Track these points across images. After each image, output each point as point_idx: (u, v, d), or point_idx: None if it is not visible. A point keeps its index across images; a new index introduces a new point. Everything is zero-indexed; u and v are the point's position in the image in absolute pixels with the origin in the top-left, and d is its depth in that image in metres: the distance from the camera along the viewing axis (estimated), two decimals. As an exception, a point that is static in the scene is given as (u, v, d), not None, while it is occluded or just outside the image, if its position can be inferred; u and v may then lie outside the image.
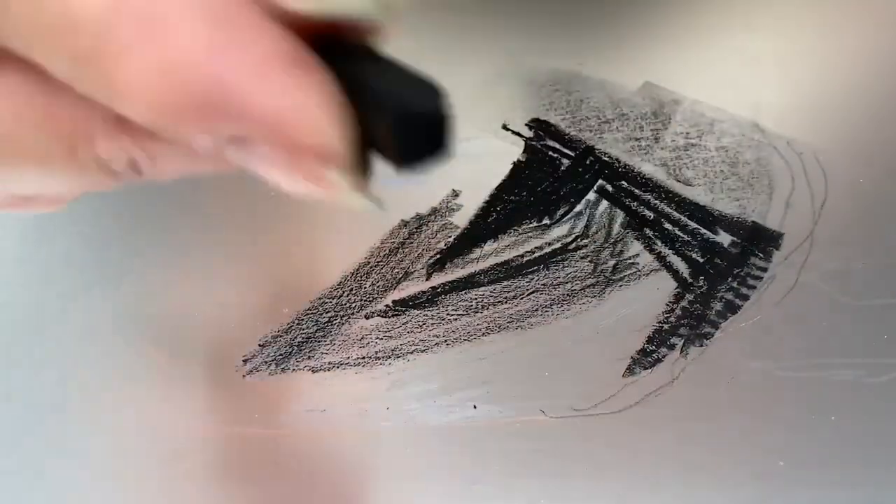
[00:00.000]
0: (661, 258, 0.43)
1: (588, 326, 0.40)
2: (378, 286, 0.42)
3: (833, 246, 0.43)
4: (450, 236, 0.43)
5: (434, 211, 0.44)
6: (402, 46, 0.51)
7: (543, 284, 0.42)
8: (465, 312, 0.41)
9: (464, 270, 0.42)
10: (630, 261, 0.42)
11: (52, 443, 0.37)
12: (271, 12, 0.17)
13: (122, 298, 0.41)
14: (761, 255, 0.42)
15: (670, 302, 0.41)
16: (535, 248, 0.43)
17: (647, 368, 0.38)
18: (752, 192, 0.45)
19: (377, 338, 0.40)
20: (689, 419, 0.36)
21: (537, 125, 0.48)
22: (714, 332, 0.39)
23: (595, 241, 0.43)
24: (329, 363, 0.39)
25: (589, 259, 0.43)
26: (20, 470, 0.36)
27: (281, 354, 0.39)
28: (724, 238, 0.43)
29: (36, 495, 0.35)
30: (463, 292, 0.41)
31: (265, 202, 0.45)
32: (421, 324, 0.40)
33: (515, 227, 0.44)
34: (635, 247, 0.43)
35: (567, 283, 0.42)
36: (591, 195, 0.45)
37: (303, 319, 0.40)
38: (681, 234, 0.43)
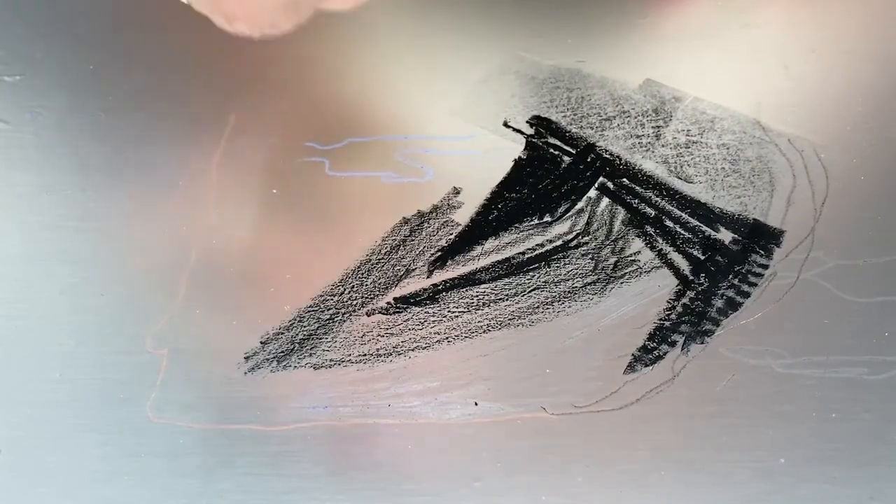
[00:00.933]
0: (662, 255, 0.43)
1: (589, 323, 0.40)
2: (379, 283, 0.42)
3: (834, 243, 0.43)
4: (451, 233, 0.44)
5: (435, 208, 0.44)
6: (405, 44, 0.52)
7: (544, 282, 0.42)
8: (466, 309, 0.41)
9: (465, 268, 0.42)
10: (631, 258, 0.43)
11: (52, 442, 0.37)
12: None
13: (123, 297, 0.41)
14: (762, 253, 0.42)
15: (671, 299, 0.41)
16: (537, 245, 0.43)
17: (647, 365, 0.38)
18: (753, 189, 0.45)
19: (379, 335, 0.40)
20: (689, 416, 0.36)
21: (538, 122, 0.48)
22: (715, 329, 0.39)
23: (596, 239, 0.43)
24: (331, 360, 0.39)
25: (590, 256, 0.43)
26: (20, 469, 0.36)
27: (282, 351, 0.39)
28: (726, 235, 0.43)
29: (36, 494, 0.35)
30: (464, 289, 0.41)
31: (267, 199, 0.45)
32: (422, 321, 0.40)
33: (516, 225, 0.44)
34: (636, 244, 0.43)
35: (568, 280, 0.42)
36: (593, 192, 0.45)
37: (304, 316, 0.40)
38: (682, 232, 0.43)
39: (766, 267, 0.42)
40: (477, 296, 0.41)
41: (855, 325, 0.39)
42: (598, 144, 0.47)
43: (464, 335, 0.40)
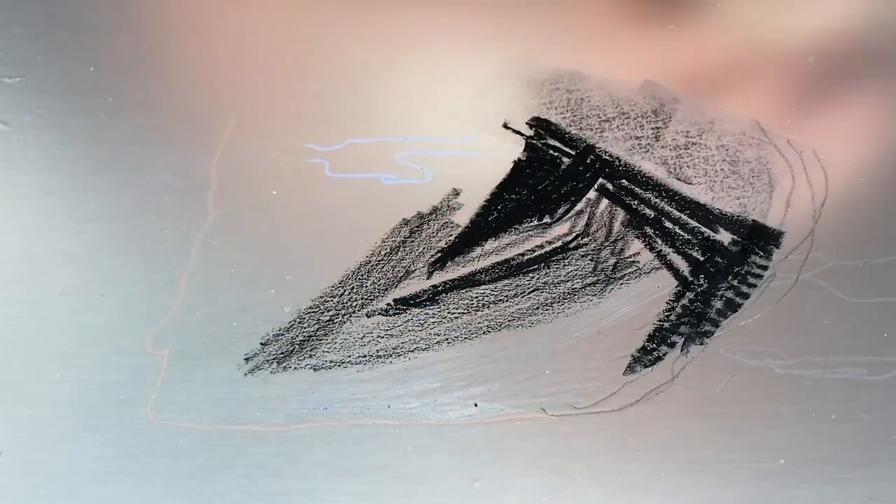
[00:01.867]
0: (661, 256, 0.43)
1: (588, 325, 0.40)
2: (379, 285, 0.42)
3: (833, 244, 0.43)
4: (451, 235, 0.44)
5: (435, 209, 0.44)
6: (405, 46, 0.52)
7: (544, 283, 0.42)
8: (465, 311, 0.41)
9: (465, 269, 0.42)
10: (630, 259, 0.43)
11: (53, 443, 0.37)
12: None
13: (123, 298, 0.41)
14: (762, 254, 0.42)
15: (671, 300, 0.41)
16: (536, 246, 0.43)
17: (647, 366, 0.38)
18: (752, 190, 0.45)
19: (378, 336, 0.40)
20: (689, 417, 0.36)
21: (538, 124, 0.49)
22: (714, 330, 0.39)
23: (596, 240, 0.43)
24: (331, 361, 0.39)
25: (589, 257, 0.43)
26: (21, 470, 0.36)
27: (283, 353, 0.39)
28: (725, 236, 0.43)
29: (36, 495, 0.35)
30: (464, 291, 0.41)
31: (267, 201, 0.45)
32: (422, 322, 0.40)
33: (516, 226, 0.44)
34: (636, 245, 0.43)
35: (568, 281, 0.42)
36: (592, 194, 0.45)
37: (304, 318, 0.40)
38: (681, 233, 0.44)
39: (765, 268, 0.42)
40: (477, 297, 0.41)
41: (854, 325, 0.39)
42: (597, 146, 0.47)
43: (463, 336, 0.40)
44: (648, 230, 0.44)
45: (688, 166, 0.47)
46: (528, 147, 0.47)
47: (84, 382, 0.39)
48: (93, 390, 0.38)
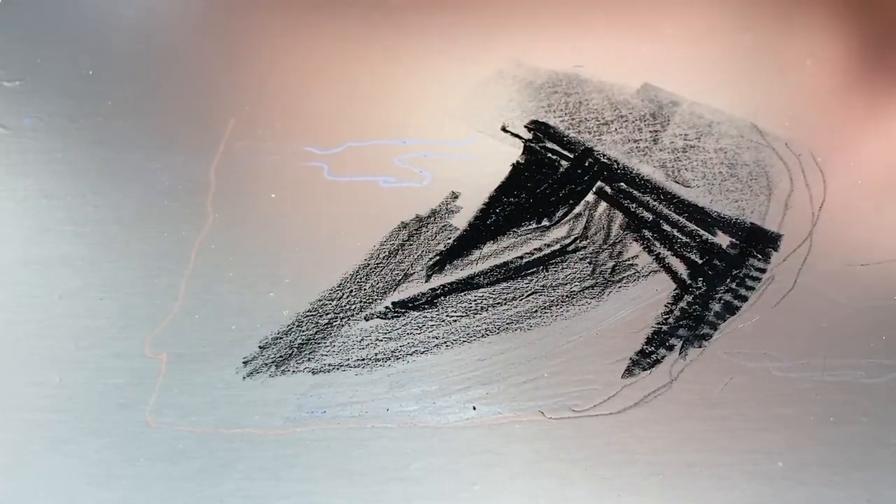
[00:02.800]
0: (659, 259, 0.43)
1: (587, 327, 0.40)
2: (378, 288, 0.42)
3: (831, 247, 0.43)
4: (449, 238, 0.44)
5: (433, 213, 0.44)
6: (404, 50, 0.52)
7: (542, 286, 0.42)
8: (464, 314, 0.41)
9: (463, 272, 0.42)
10: (629, 262, 0.43)
11: (52, 446, 0.37)
12: None
13: (122, 301, 0.41)
14: (760, 257, 0.42)
15: (669, 303, 0.41)
16: (535, 249, 0.43)
17: (645, 369, 0.38)
18: (750, 193, 0.45)
19: (377, 339, 0.40)
20: (687, 420, 0.36)
21: (536, 127, 0.49)
22: (713, 333, 0.39)
23: (594, 243, 0.43)
24: (329, 365, 0.39)
25: (588, 261, 0.43)
26: (20, 473, 0.36)
27: (281, 356, 0.39)
28: (723, 239, 0.43)
29: (36, 498, 0.35)
30: (462, 294, 0.42)
31: (266, 204, 0.45)
32: (420, 325, 0.40)
33: (514, 229, 0.44)
34: (634, 248, 0.43)
35: (566, 284, 0.42)
36: (590, 197, 0.45)
37: (303, 321, 0.40)
38: (679, 236, 0.44)
39: (763, 271, 0.42)
40: (475, 300, 0.41)
41: (852, 328, 0.39)
42: (595, 149, 0.48)
43: (462, 339, 0.40)
44: (647, 233, 0.44)
45: (686, 169, 0.47)
46: (527, 150, 0.47)
47: (83, 386, 0.39)
48: (92, 393, 0.38)
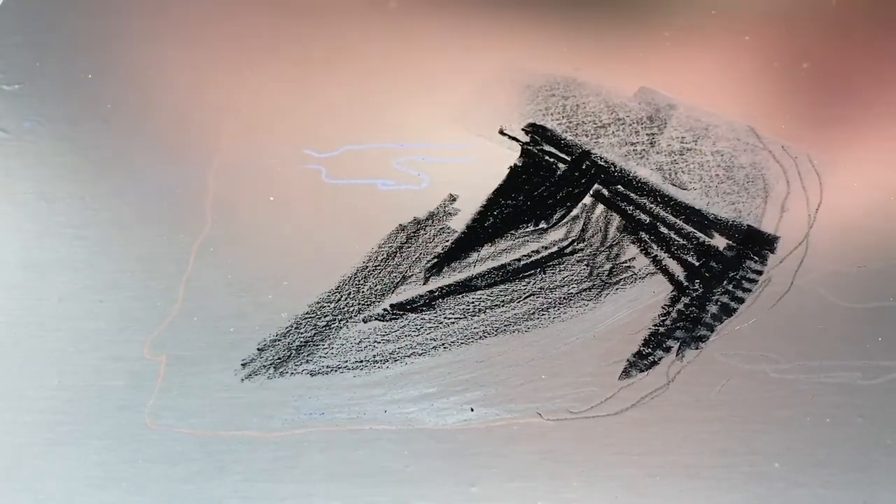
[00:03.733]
0: (656, 262, 0.43)
1: (585, 329, 0.40)
2: (376, 290, 0.42)
3: (828, 249, 0.43)
4: (447, 240, 0.44)
5: (431, 215, 0.45)
6: (402, 53, 0.52)
7: (540, 288, 0.42)
8: (462, 316, 0.41)
9: (461, 274, 0.42)
10: (626, 264, 0.43)
11: (51, 449, 0.37)
12: None
13: (121, 304, 0.42)
14: (756, 259, 0.43)
15: (666, 305, 0.41)
16: (532, 251, 0.43)
17: (643, 371, 0.39)
18: (747, 195, 0.46)
19: (375, 341, 0.40)
20: (684, 421, 0.37)
21: (534, 130, 0.49)
22: (709, 334, 0.40)
23: (591, 245, 0.44)
24: (327, 367, 0.39)
25: (585, 263, 0.43)
26: (19, 476, 0.36)
27: (279, 358, 0.39)
28: (720, 241, 0.44)
29: (35, 500, 0.36)
30: (460, 296, 0.42)
31: (264, 207, 0.45)
32: (418, 327, 0.40)
33: (512, 231, 0.44)
34: (631, 250, 0.43)
35: (563, 286, 0.42)
36: (588, 199, 0.46)
37: (301, 323, 0.40)
38: (676, 238, 0.44)
39: (760, 273, 0.42)
40: (473, 302, 0.41)
41: (848, 330, 0.40)
42: (593, 152, 0.48)
43: (460, 341, 0.40)
44: (644, 235, 0.44)
45: (683, 172, 0.47)
46: (525, 153, 0.48)
47: (82, 388, 0.39)
48: (91, 396, 0.38)
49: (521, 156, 0.48)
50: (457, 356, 0.39)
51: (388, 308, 0.41)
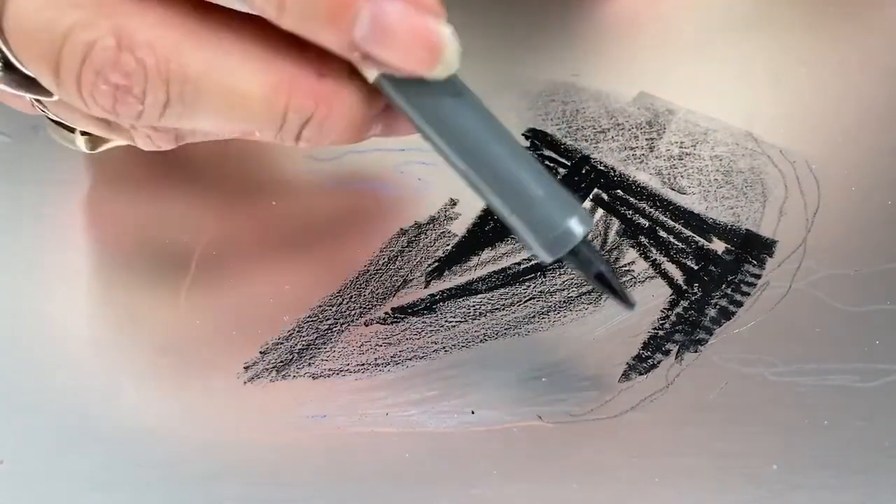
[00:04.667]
0: (656, 266, 0.43)
1: (584, 333, 0.40)
2: (377, 294, 0.42)
3: (826, 253, 0.43)
4: (448, 244, 0.44)
5: (432, 219, 0.45)
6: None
7: (540, 292, 0.42)
8: (463, 319, 0.41)
9: (462, 278, 0.43)
10: (625, 268, 0.43)
11: (54, 452, 0.37)
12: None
13: (122, 306, 0.42)
14: (755, 263, 0.43)
15: (665, 308, 0.41)
16: (532, 255, 0.43)
17: (642, 374, 0.39)
18: (745, 200, 0.46)
19: (376, 344, 0.40)
20: (683, 424, 0.37)
21: (534, 135, 0.49)
22: (708, 338, 0.40)
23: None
24: (329, 370, 0.39)
25: (585, 266, 0.43)
26: (23, 479, 0.36)
27: (281, 361, 0.40)
28: (719, 245, 0.44)
29: (37, 501, 0.36)
30: (461, 299, 0.42)
31: (266, 212, 0.45)
32: (419, 331, 0.41)
33: (513, 236, 0.44)
34: (630, 254, 0.44)
35: (563, 290, 0.42)
36: (587, 204, 0.46)
37: (303, 327, 0.41)
38: (675, 242, 0.44)
39: (758, 276, 0.42)
40: (474, 306, 0.42)
41: (846, 333, 0.40)
42: (592, 156, 0.48)
43: (461, 345, 0.40)
44: (643, 239, 0.44)
45: (682, 176, 0.47)
46: (525, 158, 0.48)
47: (83, 389, 0.39)
48: (93, 399, 0.39)
49: (521, 160, 0.48)
50: (458, 359, 0.40)
51: (390, 311, 0.41)
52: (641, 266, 0.43)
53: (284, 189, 0.46)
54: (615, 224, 0.45)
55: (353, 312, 0.41)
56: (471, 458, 0.36)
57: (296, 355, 0.40)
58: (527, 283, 0.42)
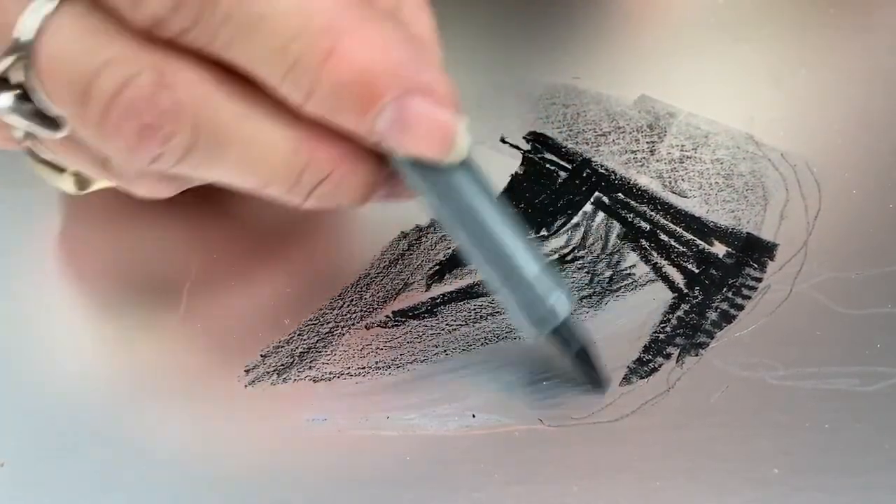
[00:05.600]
0: (656, 269, 0.43)
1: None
2: (378, 297, 0.42)
3: (826, 256, 0.43)
4: (449, 248, 0.44)
5: (433, 222, 0.45)
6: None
7: (541, 295, 0.42)
8: (464, 323, 0.41)
9: (463, 281, 0.43)
10: (626, 272, 0.43)
11: (56, 453, 0.37)
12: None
13: (124, 308, 0.42)
14: (756, 266, 0.43)
15: (666, 312, 0.41)
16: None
17: (643, 377, 0.39)
18: (746, 203, 0.46)
19: (377, 348, 0.40)
20: (684, 427, 0.37)
21: (535, 138, 0.49)
22: (709, 341, 0.40)
23: (592, 253, 0.44)
24: (330, 373, 0.39)
25: (586, 270, 0.43)
26: (24, 481, 0.36)
27: (282, 364, 0.40)
28: (719, 249, 0.44)
29: (41, 501, 0.36)
30: (462, 303, 0.42)
31: (267, 214, 0.45)
32: (420, 334, 0.41)
33: (513, 239, 0.44)
34: (632, 258, 0.44)
35: (564, 293, 0.42)
36: (588, 207, 0.46)
37: (304, 330, 0.41)
38: (676, 246, 0.44)
39: (759, 280, 0.42)
40: (475, 309, 0.42)
41: (847, 336, 0.40)
42: (593, 160, 0.48)
43: (461, 348, 0.40)
44: (644, 243, 0.44)
45: (683, 180, 0.47)
46: (526, 161, 0.48)
47: (84, 390, 0.39)
48: (94, 401, 0.39)
49: (522, 164, 0.48)
50: (459, 363, 0.40)
51: (391, 315, 0.42)
52: (642, 269, 0.43)
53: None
54: (616, 227, 0.45)
55: (354, 315, 0.41)
56: (472, 461, 0.36)
57: (297, 358, 0.40)
58: (528, 287, 0.42)
